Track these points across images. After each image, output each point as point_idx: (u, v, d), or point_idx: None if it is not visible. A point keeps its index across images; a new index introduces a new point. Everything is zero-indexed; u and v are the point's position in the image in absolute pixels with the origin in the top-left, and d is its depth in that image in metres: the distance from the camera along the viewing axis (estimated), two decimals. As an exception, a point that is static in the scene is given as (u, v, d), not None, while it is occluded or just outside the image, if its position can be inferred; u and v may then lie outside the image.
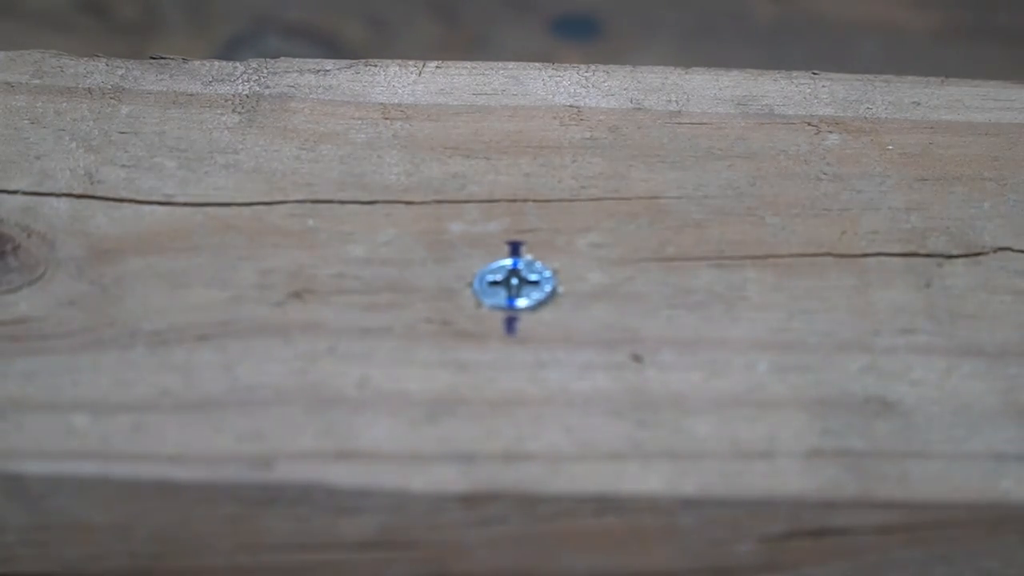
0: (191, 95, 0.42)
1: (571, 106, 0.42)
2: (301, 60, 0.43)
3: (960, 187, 0.41)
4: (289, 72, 0.43)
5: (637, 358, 0.36)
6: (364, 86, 0.43)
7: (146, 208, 0.39)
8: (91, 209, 0.39)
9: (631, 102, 0.43)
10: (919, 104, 0.43)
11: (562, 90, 0.43)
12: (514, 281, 0.37)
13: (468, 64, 0.44)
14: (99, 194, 0.39)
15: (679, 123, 0.42)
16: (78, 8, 0.96)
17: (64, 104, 0.41)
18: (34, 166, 0.40)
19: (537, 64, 0.44)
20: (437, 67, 0.43)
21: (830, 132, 0.42)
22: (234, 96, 0.42)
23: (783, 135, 0.42)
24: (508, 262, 0.38)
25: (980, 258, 0.39)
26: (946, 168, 0.41)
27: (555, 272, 0.38)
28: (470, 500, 0.33)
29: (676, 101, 0.43)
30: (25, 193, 0.39)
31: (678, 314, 0.37)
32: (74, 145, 0.40)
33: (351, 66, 0.43)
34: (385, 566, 0.33)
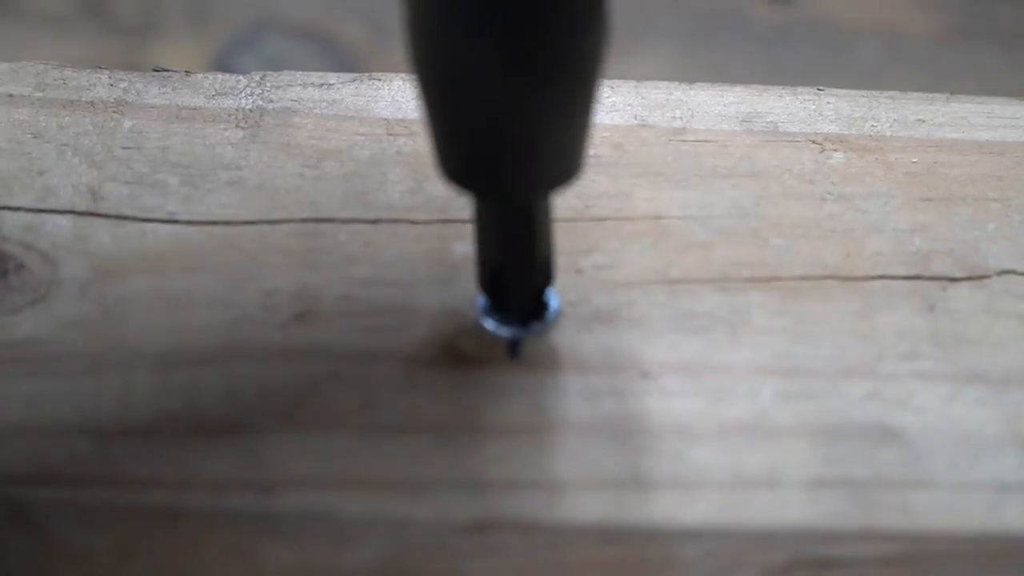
0: (194, 109, 0.42)
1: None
2: (304, 74, 0.43)
3: (965, 208, 0.40)
4: (292, 86, 0.43)
5: (646, 375, 0.36)
6: (367, 100, 0.42)
7: (149, 226, 0.39)
8: (94, 227, 0.39)
9: (635, 118, 0.42)
10: (924, 121, 0.43)
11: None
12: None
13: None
14: (102, 211, 0.39)
15: (683, 140, 0.42)
16: (77, 10, 0.95)
17: (67, 117, 0.41)
18: (36, 182, 0.39)
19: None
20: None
21: (835, 150, 0.42)
22: (237, 110, 0.42)
23: (788, 153, 0.42)
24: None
25: (984, 281, 0.39)
26: (951, 188, 0.41)
27: (558, 294, 0.38)
28: (472, 529, 0.33)
29: (680, 117, 0.42)
30: (27, 210, 0.39)
31: (682, 338, 0.37)
32: (77, 160, 0.40)
33: (354, 80, 0.43)
34: (387, 596, 0.33)
